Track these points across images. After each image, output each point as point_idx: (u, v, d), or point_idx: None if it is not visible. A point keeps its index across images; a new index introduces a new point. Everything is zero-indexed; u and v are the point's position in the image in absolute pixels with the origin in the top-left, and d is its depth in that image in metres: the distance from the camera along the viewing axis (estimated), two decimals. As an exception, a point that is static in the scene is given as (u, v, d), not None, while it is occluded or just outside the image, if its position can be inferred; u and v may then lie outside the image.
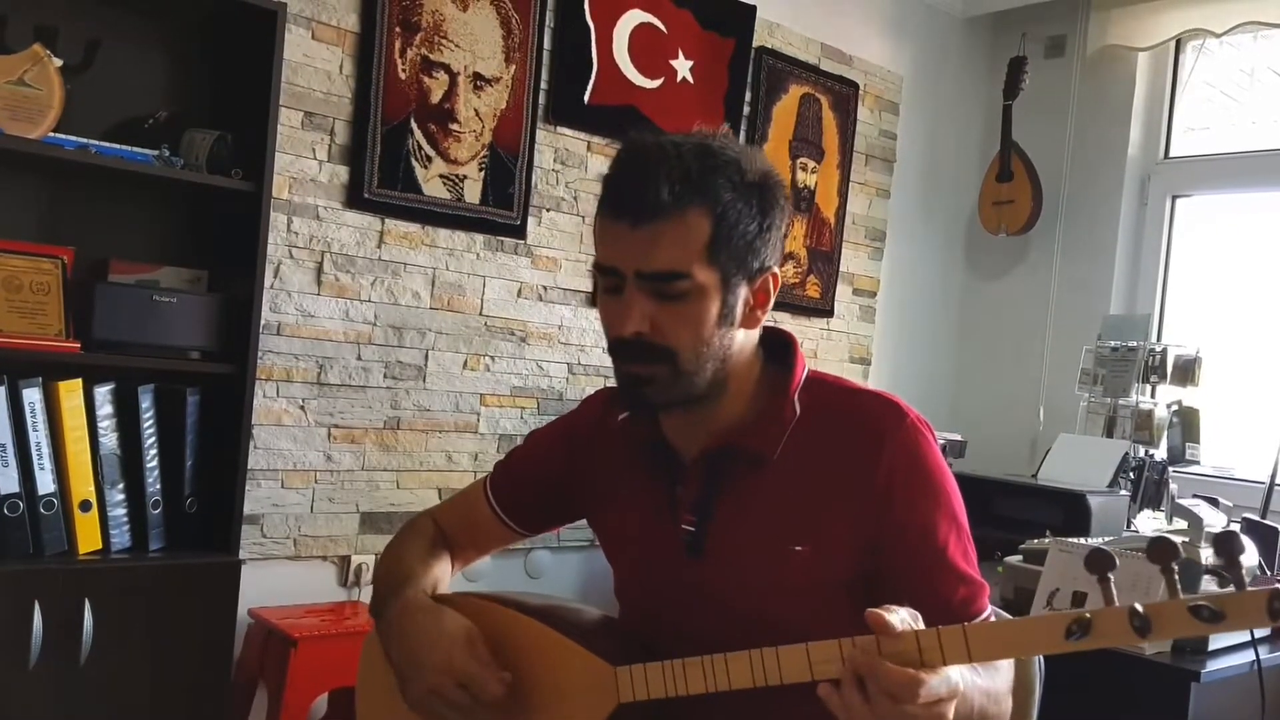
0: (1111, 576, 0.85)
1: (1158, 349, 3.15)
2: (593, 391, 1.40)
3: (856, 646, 0.90)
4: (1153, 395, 3.17)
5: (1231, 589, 0.80)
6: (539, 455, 1.36)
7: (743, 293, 1.10)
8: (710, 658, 1.02)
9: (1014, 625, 0.89)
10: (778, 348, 1.20)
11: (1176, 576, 0.82)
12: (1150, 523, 2.57)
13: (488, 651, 1.15)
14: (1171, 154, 3.56)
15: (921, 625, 0.92)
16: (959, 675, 0.92)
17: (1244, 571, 0.80)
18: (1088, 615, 0.84)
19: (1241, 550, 0.80)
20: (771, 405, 1.15)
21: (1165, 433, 3.11)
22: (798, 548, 1.11)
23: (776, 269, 1.13)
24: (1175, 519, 2.44)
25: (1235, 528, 2.37)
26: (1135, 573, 2.06)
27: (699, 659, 1.03)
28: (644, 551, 1.22)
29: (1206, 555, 2.14)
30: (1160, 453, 3.08)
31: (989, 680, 1.02)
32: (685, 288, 1.06)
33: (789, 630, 0.99)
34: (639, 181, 1.06)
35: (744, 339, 1.14)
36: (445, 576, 1.33)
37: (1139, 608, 0.82)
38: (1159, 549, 0.82)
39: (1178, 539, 2.09)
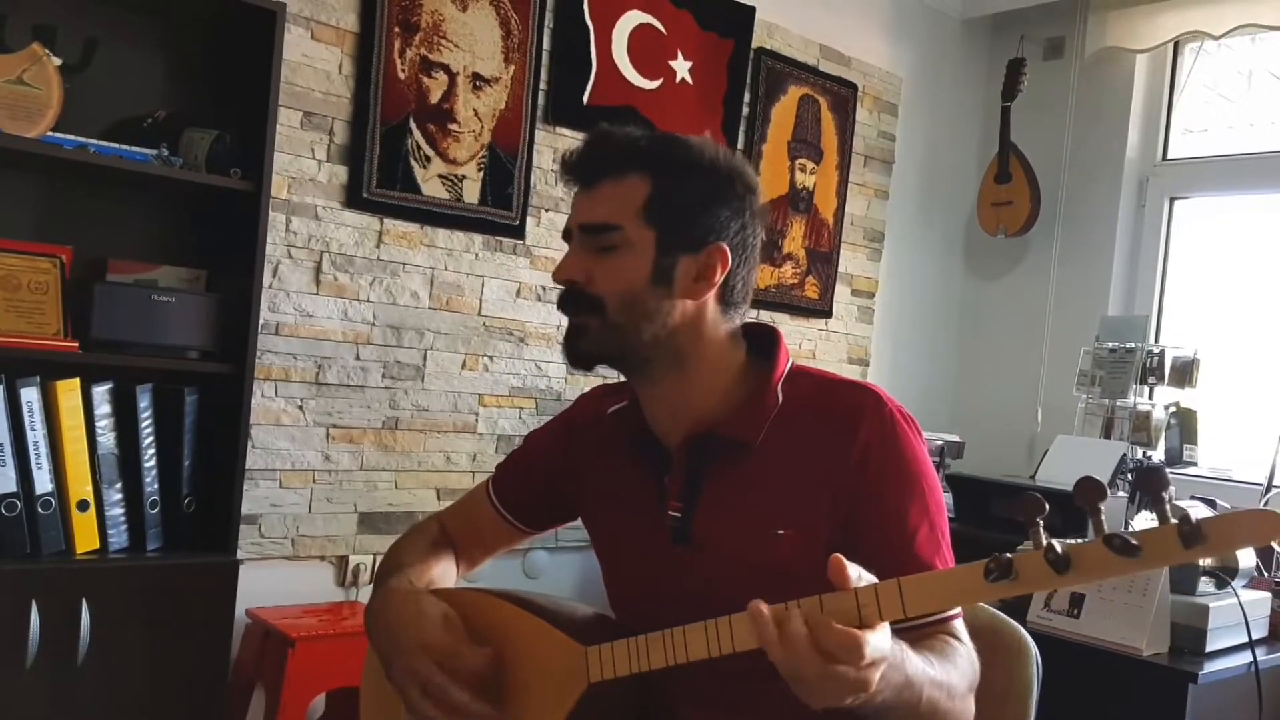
0: (1041, 522, 0.84)
1: (1155, 350, 3.15)
2: (589, 389, 1.41)
3: (801, 607, 0.91)
4: (1150, 397, 3.17)
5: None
6: (538, 452, 1.38)
7: (683, 260, 1.15)
8: (670, 631, 1.03)
9: (942, 574, 0.91)
10: (762, 342, 1.23)
11: (1103, 518, 0.82)
12: (1148, 524, 2.57)
13: (463, 630, 1.17)
14: (1169, 156, 3.57)
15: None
16: (897, 651, 0.92)
17: (1168, 508, 0.79)
18: (1007, 556, 0.85)
19: (1164, 485, 0.80)
20: (755, 394, 1.18)
21: (1163, 434, 3.11)
22: (781, 531, 1.13)
23: (727, 247, 1.16)
24: (1173, 520, 2.44)
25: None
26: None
27: (660, 633, 1.04)
28: (632, 542, 1.24)
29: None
30: (1158, 454, 3.09)
31: (943, 673, 1.02)
32: (616, 240, 1.15)
33: None
34: (588, 151, 1.19)
35: (695, 311, 1.17)
36: (445, 577, 1.34)
37: (1055, 545, 0.82)
38: (1085, 489, 0.82)
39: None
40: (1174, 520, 0.78)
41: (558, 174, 1.23)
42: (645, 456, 1.22)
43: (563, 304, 1.19)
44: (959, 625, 1.13)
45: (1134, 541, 0.79)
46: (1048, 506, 0.84)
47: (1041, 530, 0.84)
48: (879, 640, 0.88)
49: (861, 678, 0.87)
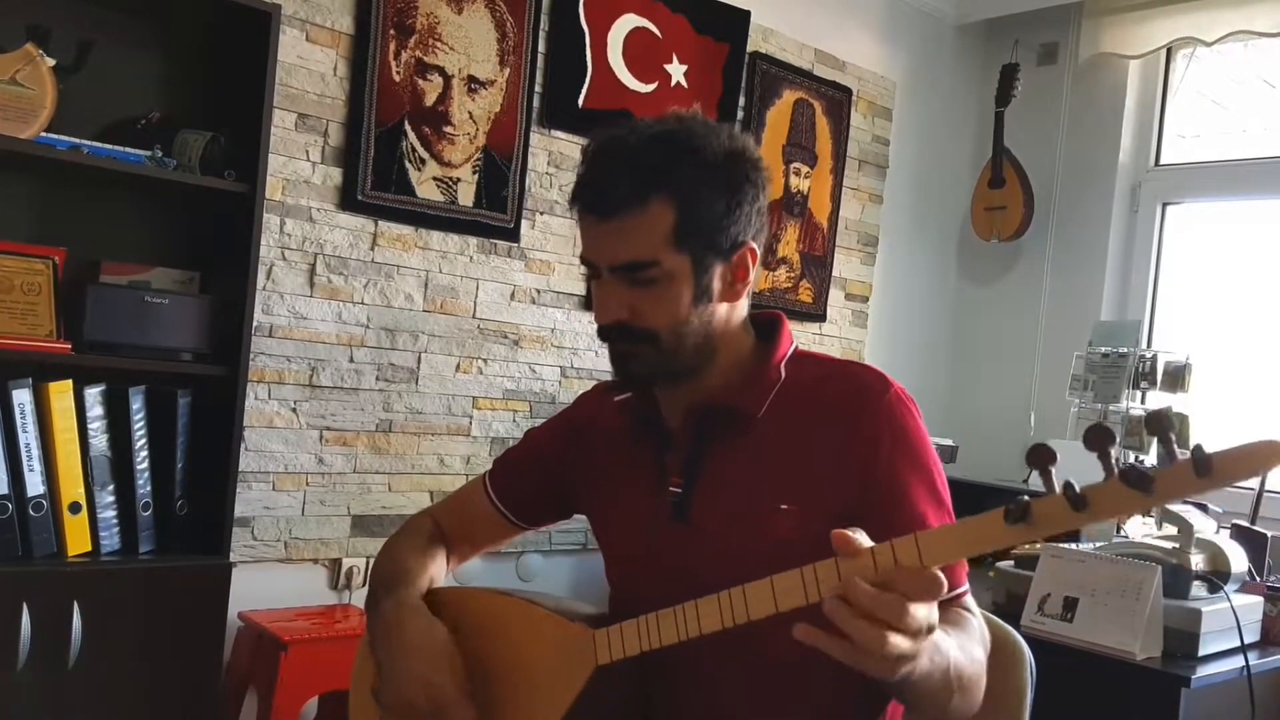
0: (1053, 470, 0.85)
1: (1148, 355, 3.16)
2: (589, 388, 1.42)
3: (818, 571, 0.90)
4: (1143, 401, 3.18)
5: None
6: (537, 448, 1.39)
7: (718, 270, 1.15)
8: (681, 606, 1.03)
9: (960, 525, 0.90)
10: (767, 326, 1.25)
11: (1114, 461, 0.83)
12: (1140, 528, 2.58)
13: (463, 676, 1.17)
14: (1162, 161, 3.58)
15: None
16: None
17: (1175, 448, 0.80)
18: (1025, 499, 0.85)
19: (1172, 427, 0.80)
20: (757, 371, 1.20)
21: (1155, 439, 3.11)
22: (783, 506, 1.13)
23: (753, 242, 1.17)
24: (1165, 525, 2.44)
25: (1225, 532, 2.38)
26: (1124, 577, 2.07)
27: (670, 609, 1.04)
28: (633, 521, 1.24)
29: (1197, 561, 2.15)
30: (1150, 459, 3.10)
31: (962, 641, 1.03)
32: (655, 274, 1.12)
33: None
34: (602, 178, 1.13)
35: (727, 311, 1.19)
36: (440, 574, 1.35)
37: (1073, 483, 0.82)
38: (1095, 435, 0.83)
39: (1168, 544, 2.08)
40: (1189, 451, 0.79)
41: (572, 202, 1.17)
42: (648, 438, 1.24)
43: (609, 336, 1.16)
44: (970, 600, 1.14)
45: (1149, 474, 0.80)
46: (1058, 456, 0.84)
47: (1054, 475, 0.84)
48: (928, 611, 0.88)
49: (916, 648, 0.87)
